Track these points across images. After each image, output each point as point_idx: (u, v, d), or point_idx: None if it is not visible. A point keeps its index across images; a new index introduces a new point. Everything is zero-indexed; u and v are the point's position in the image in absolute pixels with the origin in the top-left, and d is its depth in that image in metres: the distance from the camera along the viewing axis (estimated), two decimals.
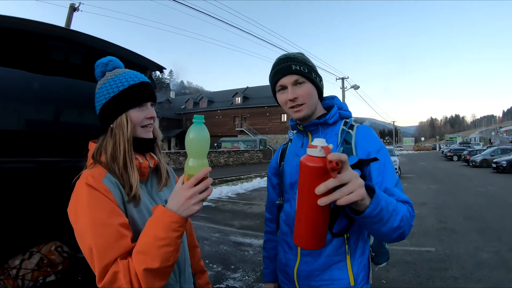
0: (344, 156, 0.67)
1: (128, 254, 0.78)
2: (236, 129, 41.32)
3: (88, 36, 1.34)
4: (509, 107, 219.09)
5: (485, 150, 27.14)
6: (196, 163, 0.81)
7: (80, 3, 10.44)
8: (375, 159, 1.01)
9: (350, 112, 1.20)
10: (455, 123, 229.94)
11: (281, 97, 1.15)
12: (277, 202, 1.31)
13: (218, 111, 44.01)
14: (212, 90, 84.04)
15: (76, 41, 1.30)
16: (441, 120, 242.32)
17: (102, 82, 0.98)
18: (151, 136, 1.03)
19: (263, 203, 9.02)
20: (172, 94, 56.64)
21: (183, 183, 0.81)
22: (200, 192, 0.79)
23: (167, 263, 0.77)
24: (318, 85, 1.15)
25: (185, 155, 22.95)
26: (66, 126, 2.04)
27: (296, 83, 1.10)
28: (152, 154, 1.06)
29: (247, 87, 46.66)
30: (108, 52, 1.26)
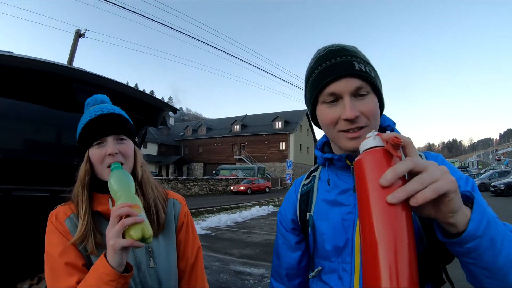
0: (407, 137, 0.49)
1: None
2: (235, 156, 41.45)
3: (111, 81, 1.49)
4: (505, 130, 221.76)
5: (483, 174, 27.32)
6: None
7: (86, 30, 10.70)
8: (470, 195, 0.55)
9: None
10: (452, 147, 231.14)
11: (328, 113, 0.74)
12: (312, 274, 0.83)
13: (217, 138, 44.29)
14: (210, 117, 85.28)
15: (99, 85, 1.46)
16: (438, 145, 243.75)
17: None
18: None
19: (262, 231, 8.97)
20: (171, 121, 57.22)
21: None
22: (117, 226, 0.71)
23: None
24: (382, 100, 0.77)
25: (183, 182, 22.85)
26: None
27: (357, 92, 0.71)
28: None
29: (246, 115, 47.59)
30: (127, 94, 1.40)
